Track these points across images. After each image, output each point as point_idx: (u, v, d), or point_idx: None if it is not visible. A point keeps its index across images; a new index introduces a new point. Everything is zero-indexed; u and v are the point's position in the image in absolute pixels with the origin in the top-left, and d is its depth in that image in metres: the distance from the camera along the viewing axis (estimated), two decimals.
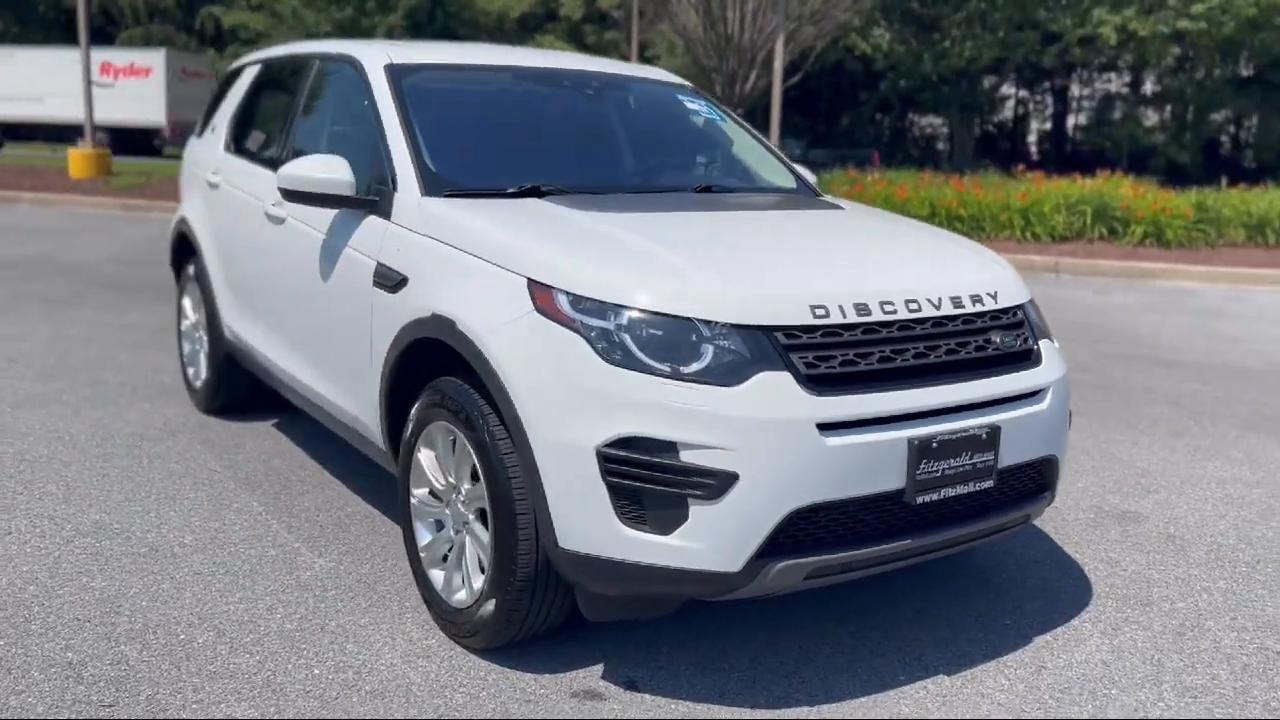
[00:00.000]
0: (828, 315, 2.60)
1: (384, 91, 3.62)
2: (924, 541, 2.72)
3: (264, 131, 4.54)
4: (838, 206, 3.73)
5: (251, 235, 4.29)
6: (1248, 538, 4.01)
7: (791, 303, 2.60)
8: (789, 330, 2.56)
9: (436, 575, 3.08)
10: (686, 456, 2.46)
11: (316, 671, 2.83)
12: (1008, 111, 50.86)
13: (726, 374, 2.49)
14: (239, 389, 5.06)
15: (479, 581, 2.88)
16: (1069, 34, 32.74)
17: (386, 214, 3.32)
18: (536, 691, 2.77)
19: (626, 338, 2.55)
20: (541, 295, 2.68)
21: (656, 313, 2.57)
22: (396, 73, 3.71)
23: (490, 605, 2.79)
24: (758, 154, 4.22)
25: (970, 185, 15.03)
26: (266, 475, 4.35)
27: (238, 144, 4.73)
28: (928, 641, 3.09)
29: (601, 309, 2.59)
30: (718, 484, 2.45)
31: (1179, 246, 13.36)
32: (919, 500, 2.64)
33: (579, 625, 2.99)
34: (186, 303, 5.31)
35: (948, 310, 2.78)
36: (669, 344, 2.54)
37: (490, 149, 3.70)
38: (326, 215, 3.61)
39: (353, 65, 3.88)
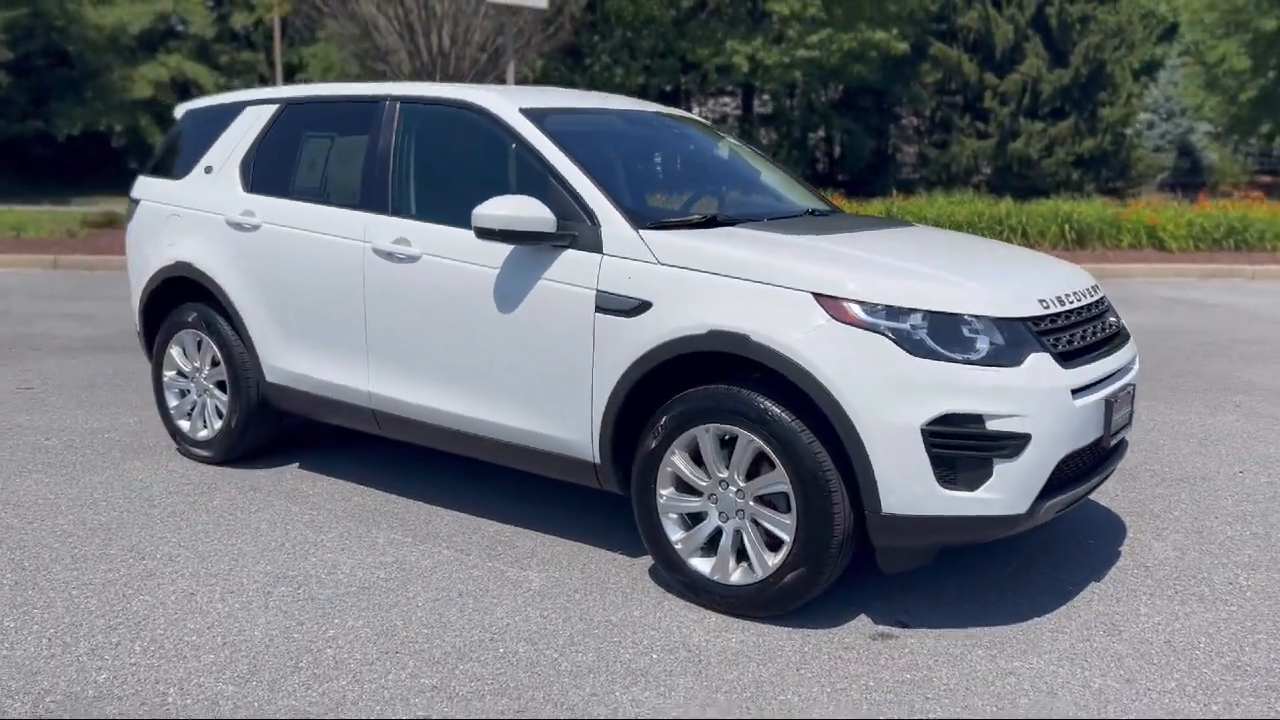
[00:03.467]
0: (1049, 307, 3.38)
1: (537, 136, 3.91)
2: (1104, 475, 3.59)
3: (328, 174, 4.53)
4: (907, 223, 4.52)
5: (339, 273, 4.31)
6: None
7: (1027, 299, 3.35)
8: (1033, 320, 3.30)
9: (702, 563, 3.49)
10: (992, 425, 3.13)
11: (655, 656, 3.17)
12: None
13: (1007, 357, 3.19)
14: (265, 434, 4.96)
15: (774, 558, 3.35)
16: (707, 62, 35.90)
17: (594, 247, 3.65)
18: (843, 640, 3.30)
19: (922, 334, 3.18)
20: (833, 307, 3.22)
21: (938, 312, 3.21)
22: (535, 117, 4.01)
23: (797, 574, 3.28)
24: (785, 180, 4.91)
25: None
26: (369, 511, 4.39)
27: (276, 185, 4.66)
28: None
29: (893, 313, 3.19)
30: (1018, 444, 3.15)
31: None
32: (1110, 444, 3.50)
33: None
34: (175, 352, 5.06)
35: (1088, 300, 3.66)
36: (953, 337, 3.20)
37: (634, 183, 4.11)
38: (496, 251, 3.83)
39: (472, 110, 4.11)
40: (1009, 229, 15.08)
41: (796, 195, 4.76)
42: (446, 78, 21.74)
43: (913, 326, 3.19)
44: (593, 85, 39.39)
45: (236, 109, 5.00)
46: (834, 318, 3.21)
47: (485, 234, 3.70)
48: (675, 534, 3.55)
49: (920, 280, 3.33)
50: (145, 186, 5.29)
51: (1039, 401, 3.18)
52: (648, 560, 3.85)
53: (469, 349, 3.96)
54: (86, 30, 34.78)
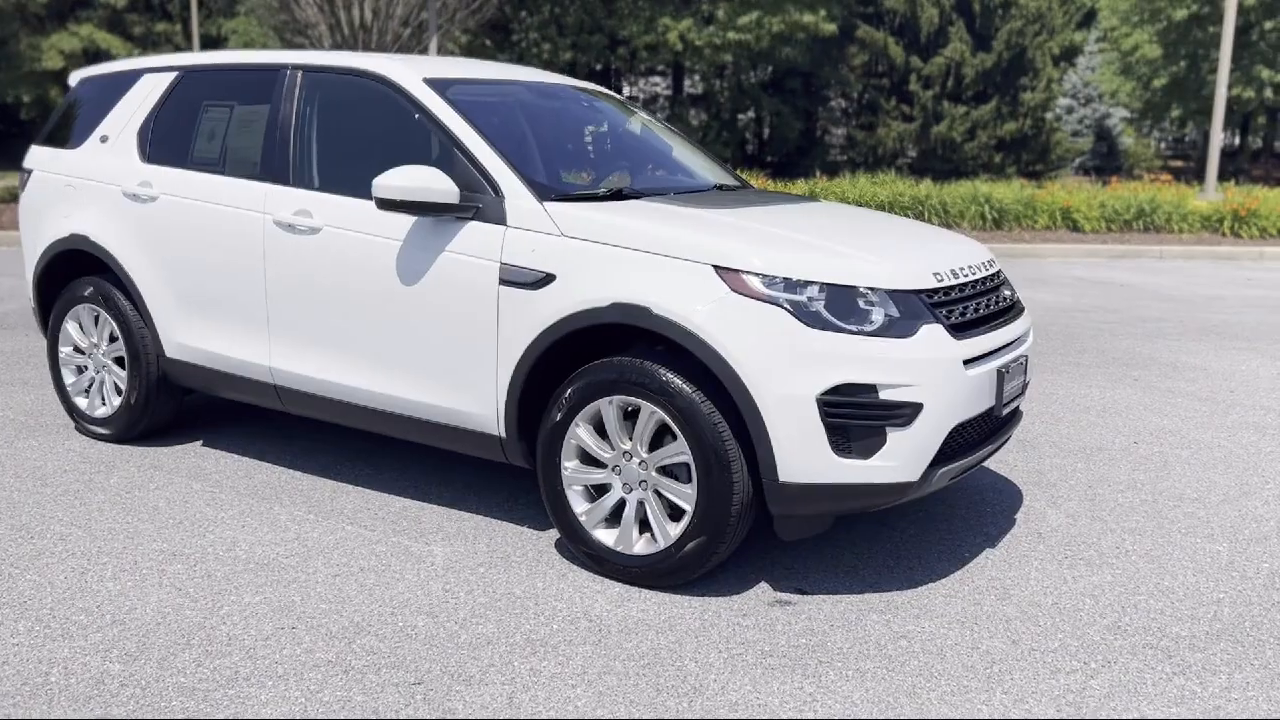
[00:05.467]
0: (943, 280, 3.45)
1: (440, 105, 3.87)
2: (998, 444, 3.68)
3: (228, 144, 4.42)
4: (815, 199, 4.56)
5: (240, 246, 4.22)
6: None
7: (922, 273, 3.40)
8: (927, 292, 3.36)
9: (606, 534, 3.51)
10: (885, 395, 3.19)
11: (556, 626, 3.18)
12: None
13: (901, 328, 3.25)
14: (166, 411, 4.85)
15: (675, 528, 3.37)
16: (637, 39, 35.78)
17: (498, 219, 3.63)
18: (742, 607, 3.34)
19: (819, 306, 3.22)
20: (732, 279, 3.25)
21: (835, 284, 3.25)
22: (438, 86, 3.96)
23: (697, 543, 3.32)
24: (696, 154, 4.92)
25: None
26: (272, 487, 4.32)
27: (174, 155, 4.53)
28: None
29: (791, 285, 3.23)
30: (910, 413, 3.21)
31: None
32: (1002, 413, 3.59)
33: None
34: (71, 327, 4.92)
35: (983, 273, 3.73)
36: (849, 309, 3.24)
37: (540, 154, 4.09)
38: (398, 223, 3.79)
39: (375, 79, 4.05)
40: (929, 209, 15.34)
41: (707, 171, 4.78)
42: (368, 52, 21.34)
43: (809, 299, 3.23)
44: (519, 62, 39.05)
45: (134, 76, 4.85)
46: (733, 290, 3.24)
47: (386, 205, 3.65)
48: (580, 506, 3.56)
49: (818, 253, 3.38)
50: (38, 156, 5.12)
51: (931, 371, 3.24)
52: (555, 533, 3.86)
53: (372, 322, 3.91)
54: None
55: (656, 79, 50.60)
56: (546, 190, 3.68)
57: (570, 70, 45.48)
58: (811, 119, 41.48)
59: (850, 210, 4.44)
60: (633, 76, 49.66)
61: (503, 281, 3.58)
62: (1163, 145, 45.69)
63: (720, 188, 4.47)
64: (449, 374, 3.76)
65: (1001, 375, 3.53)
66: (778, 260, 3.27)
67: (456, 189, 3.63)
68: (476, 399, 3.72)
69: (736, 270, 3.26)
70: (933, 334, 3.28)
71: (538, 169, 3.93)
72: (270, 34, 24.75)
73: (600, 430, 3.50)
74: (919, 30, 32.97)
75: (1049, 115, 34.31)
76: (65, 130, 5.10)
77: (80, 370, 4.98)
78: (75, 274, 4.95)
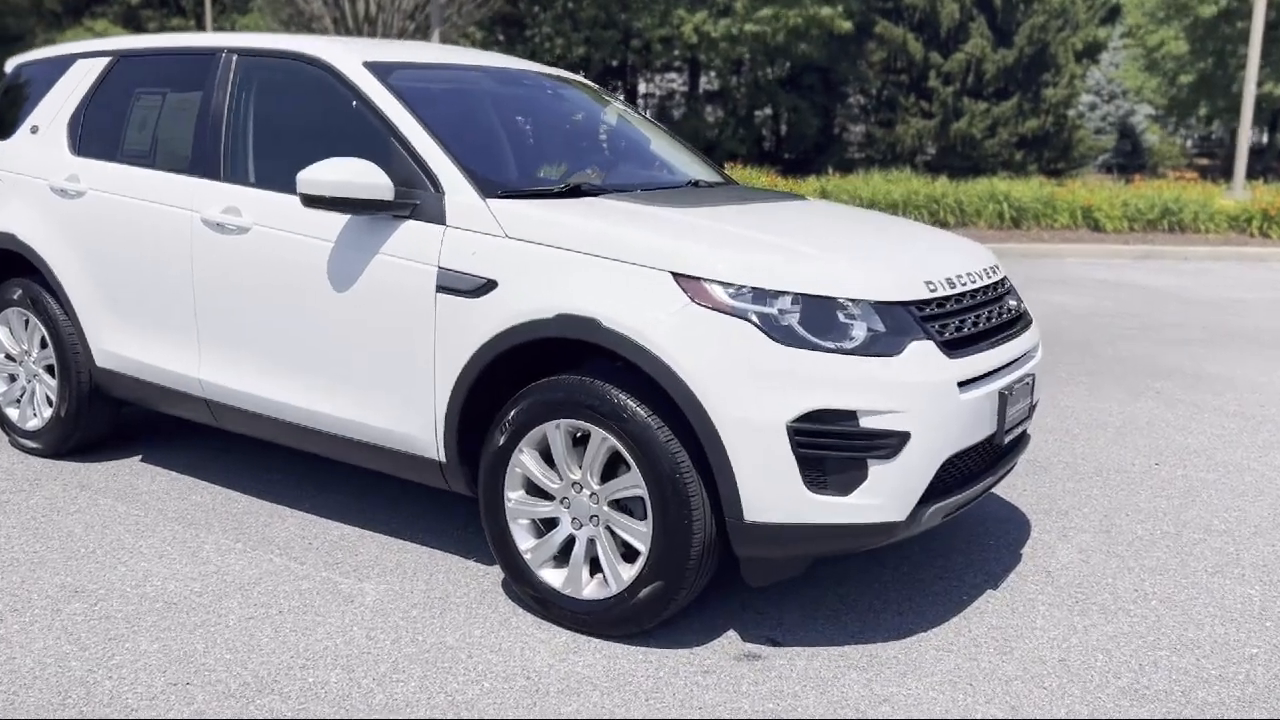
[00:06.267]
0: (937, 290, 3.02)
1: (379, 91, 3.48)
2: (998, 475, 3.25)
3: (159, 135, 4.05)
4: (802, 197, 4.14)
5: (167, 247, 3.85)
6: None
7: (912, 281, 2.98)
8: (917, 304, 2.94)
9: (553, 575, 3.11)
10: (866, 422, 2.77)
11: (487, 685, 2.78)
12: None
13: (885, 346, 2.83)
14: (100, 424, 4.48)
15: (629, 570, 2.97)
16: (651, 32, 35.35)
17: (436, 218, 3.23)
18: (704, 662, 2.93)
19: (792, 320, 2.80)
20: (694, 288, 2.84)
21: (811, 295, 2.84)
22: (379, 71, 3.57)
23: (652, 588, 2.91)
24: (675, 148, 4.50)
25: None
26: (205, 511, 3.94)
27: (104, 148, 4.16)
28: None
29: (760, 296, 2.82)
30: (896, 444, 2.79)
31: None
32: (1004, 441, 3.16)
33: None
34: (2, 333, 4.56)
35: (985, 281, 3.31)
36: (826, 323, 2.83)
37: (494, 147, 3.69)
38: (330, 222, 3.41)
39: (312, 63, 3.66)
40: (945, 208, 14.86)
41: (686, 165, 4.36)
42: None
43: (781, 311, 2.81)
44: (532, 57, 38.66)
45: (67, 62, 4.49)
46: (694, 300, 2.83)
47: (312, 201, 3.26)
48: (525, 542, 3.16)
49: (791, 259, 2.96)
50: None
51: (919, 395, 2.82)
52: (499, 569, 3.46)
53: (302, 333, 3.52)
54: None
55: (672, 75, 50.11)
56: (491, 186, 3.28)
57: (584, 66, 45.22)
58: (829, 116, 40.96)
59: (840, 210, 4.01)
60: (648, 73, 49.21)
61: (440, 288, 3.19)
62: (1188, 143, 44.87)
63: (696, 184, 4.05)
64: (384, 391, 3.37)
65: (1004, 398, 3.10)
66: (745, 266, 2.86)
67: (390, 184, 3.24)
68: (414, 419, 3.32)
69: (697, 278, 2.85)
70: (922, 352, 2.86)
71: (488, 163, 3.53)
72: (279, 28, 24.50)
73: (548, 457, 3.10)
74: (939, 26, 32.41)
75: (1071, 112, 33.71)
76: None
77: (12, 379, 4.62)
78: (5, 274, 4.59)
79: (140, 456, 4.56)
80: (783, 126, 54.21)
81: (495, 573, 3.46)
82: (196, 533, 3.74)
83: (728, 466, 2.78)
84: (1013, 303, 3.45)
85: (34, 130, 4.44)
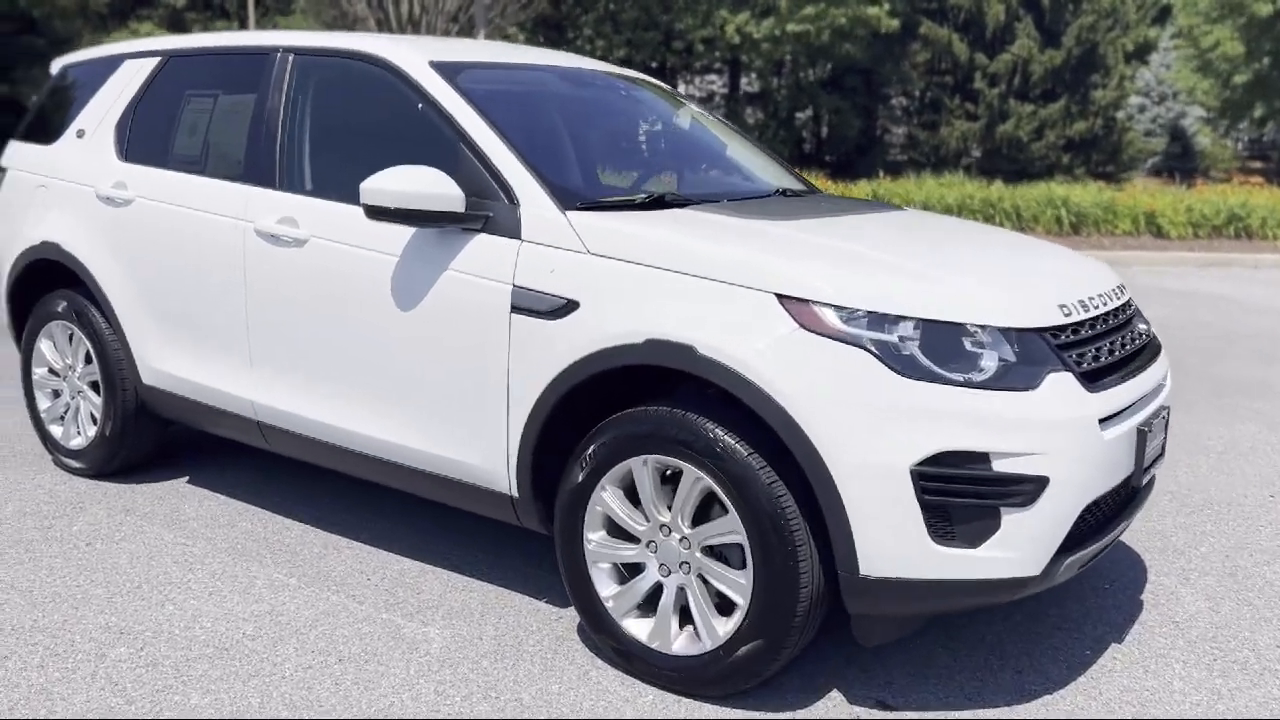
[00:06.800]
0: (1071, 314, 2.71)
1: (447, 93, 3.21)
2: (1129, 520, 2.92)
3: (211, 140, 3.81)
4: (898, 206, 3.82)
5: (219, 260, 3.61)
6: None
7: (1045, 305, 2.67)
8: (1052, 331, 2.63)
9: (638, 626, 2.82)
10: (1000, 466, 2.46)
11: None
12: None
13: (1019, 378, 2.52)
14: (146, 444, 4.26)
15: (724, 625, 2.68)
16: (692, 33, 35.05)
17: (510, 232, 2.96)
18: None
19: (914, 348, 2.50)
20: (801, 312, 2.54)
21: (935, 321, 2.53)
22: (447, 72, 3.30)
23: (751, 646, 2.61)
24: (754, 152, 4.20)
25: None
26: (256, 541, 3.70)
27: (153, 153, 3.93)
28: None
29: (877, 321, 2.52)
30: (1033, 490, 2.48)
31: None
32: (1141, 482, 2.83)
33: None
34: (45, 346, 4.35)
35: (1114, 303, 2.99)
36: (952, 352, 2.52)
37: (569, 154, 3.42)
38: (394, 235, 3.15)
39: (375, 63, 3.40)
40: (1001, 214, 14.45)
41: (767, 173, 4.06)
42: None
43: (901, 338, 2.51)
44: None
45: (115, 63, 4.27)
46: (802, 325, 2.53)
47: (376, 213, 3.00)
48: (606, 588, 2.88)
49: (911, 279, 2.65)
50: (14, 152, 4.56)
51: (1060, 435, 2.50)
52: (576, 613, 3.18)
53: (363, 354, 3.26)
54: None
55: (712, 77, 49.75)
56: (570, 196, 3.00)
57: (624, 67, 44.44)
58: (871, 117, 40.51)
59: (943, 221, 3.70)
60: (688, 74, 48.86)
61: (515, 308, 2.91)
62: (1239, 145, 43.87)
63: (783, 193, 3.75)
64: (451, 418, 3.10)
65: (1143, 434, 2.78)
66: (860, 288, 2.56)
67: (461, 194, 2.97)
68: (483, 450, 3.05)
69: (806, 300, 2.55)
70: (1061, 385, 2.55)
71: (564, 171, 3.26)
72: (322, 31, 24.48)
73: (633, 496, 2.82)
74: (984, 26, 31.88)
75: (1120, 114, 33.02)
76: (43, 123, 4.54)
77: (55, 395, 4.41)
78: (50, 285, 4.37)
79: (187, 478, 4.33)
80: (823, 128, 53.77)
81: (570, 616, 3.18)
82: (248, 566, 3.50)
83: (842, 514, 2.48)
84: (1141, 327, 3.13)
85: (80, 134, 4.23)
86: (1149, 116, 37.87)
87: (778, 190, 3.75)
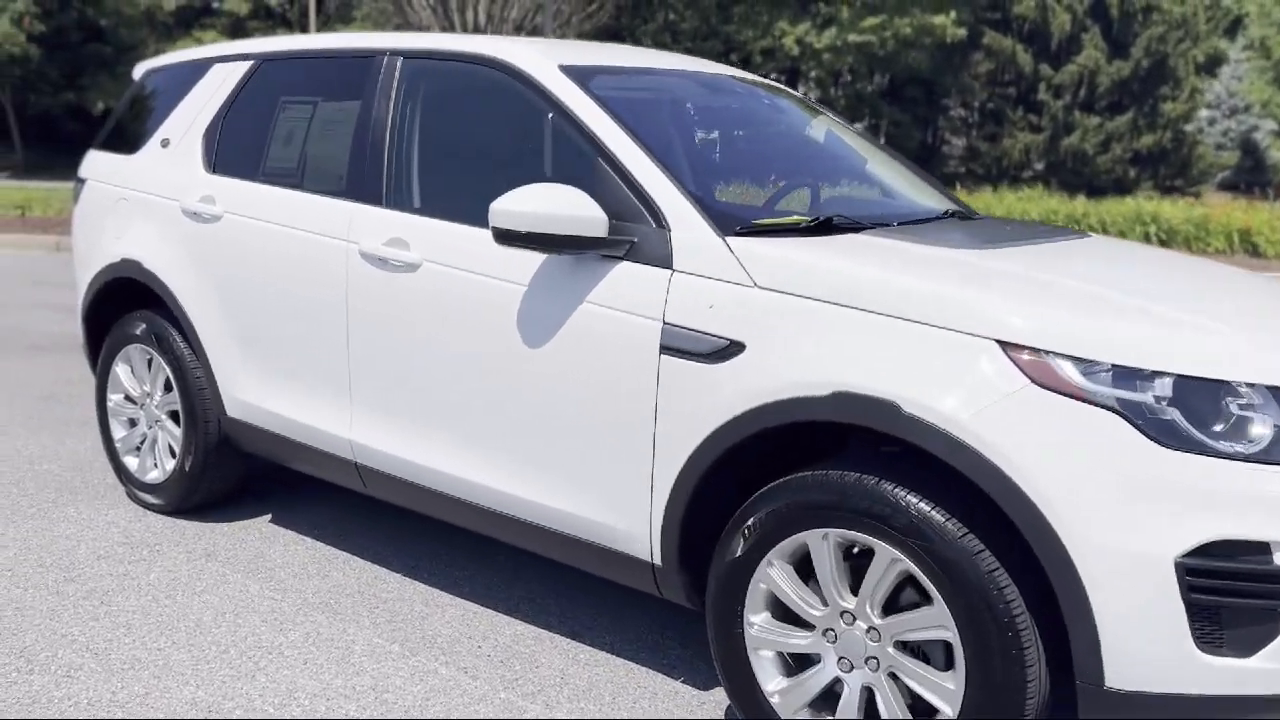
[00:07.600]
0: None
1: (581, 101, 2.82)
2: None
3: (308, 151, 3.47)
4: (1084, 233, 3.36)
5: (317, 283, 3.25)
6: None
7: None
8: None
9: None
10: None
11: None
12: None
13: None
14: (228, 480, 3.92)
15: None
16: (751, 44, 34.68)
17: (660, 260, 2.56)
18: None
19: (1175, 412, 2.06)
20: (1033, 365, 2.11)
21: (1196, 379, 2.09)
22: (579, 77, 2.91)
23: None
24: (900, 169, 3.77)
25: None
26: (350, 596, 3.33)
27: (245, 165, 3.60)
28: None
29: (1126, 377, 2.08)
30: None
31: None
32: None
33: None
34: (122, 371, 4.02)
35: None
36: (1214, 417, 2.08)
37: (720, 171, 3.02)
38: (521, 261, 2.76)
39: (496, 66, 3.02)
40: (1085, 230, 13.87)
41: (920, 192, 3.60)
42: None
43: (1157, 399, 2.07)
44: None
45: (203, 67, 3.94)
46: (1034, 381, 2.10)
47: (506, 237, 2.61)
48: (770, 680, 2.46)
49: (1160, 326, 2.21)
50: (93, 163, 4.26)
51: None
52: (721, 698, 2.77)
53: (482, 394, 2.88)
54: (121, 5, 34.17)
55: None
56: (728, 220, 2.59)
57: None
58: (931, 128, 39.86)
59: (1148, 251, 3.23)
60: None
61: (665, 349, 2.51)
62: None
63: (952, 215, 3.31)
64: (584, 471, 2.71)
65: None
66: (1103, 336, 2.13)
67: (605, 217, 2.58)
68: (621, 509, 2.65)
69: (1038, 350, 2.12)
70: None
71: (715, 191, 2.85)
72: None
73: (806, 573, 2.40)
74: (1050, 37, 31.19)
75: (1190, 127, 32.13)
76: (124, 131, 4.23)
77: (131, 423, 4.09)
78: (129, 305, 4.06)
79: (269, 516, 3.98)
80: (882, 139, 52.98)
81: (713, 701, 2.77)
82: (344, 627, 3.12)
83: (1086, 610, 2.04)
84: None
85: (164, 144, 3.91)
86: (1219, 129, 36.87)
87: (948, 213, 3.31)
